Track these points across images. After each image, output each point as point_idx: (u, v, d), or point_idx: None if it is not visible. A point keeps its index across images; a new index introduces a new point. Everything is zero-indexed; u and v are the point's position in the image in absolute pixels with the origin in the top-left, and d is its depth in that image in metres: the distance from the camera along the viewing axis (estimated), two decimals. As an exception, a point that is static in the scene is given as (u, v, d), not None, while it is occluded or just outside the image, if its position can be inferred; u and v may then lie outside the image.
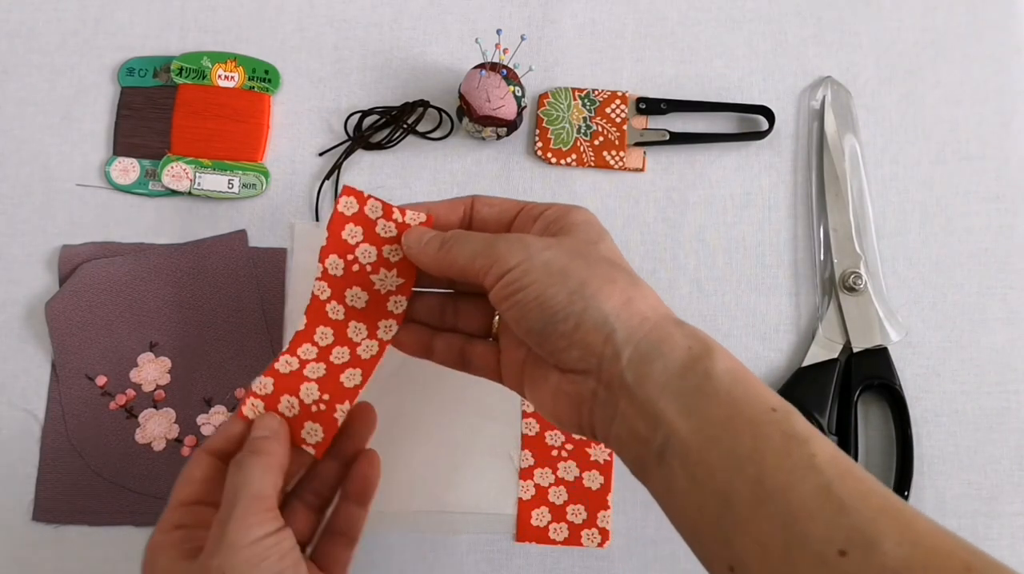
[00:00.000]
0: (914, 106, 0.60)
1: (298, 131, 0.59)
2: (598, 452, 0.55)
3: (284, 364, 0.43)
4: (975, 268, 0.58)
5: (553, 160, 0.58)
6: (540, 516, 0.54)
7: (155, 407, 0.55)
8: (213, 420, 0.55)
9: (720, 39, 0.61)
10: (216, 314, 0.56)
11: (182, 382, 0.55)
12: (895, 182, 0.59)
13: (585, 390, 0.37)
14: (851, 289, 0.56)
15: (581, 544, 0.54)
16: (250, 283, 0.56)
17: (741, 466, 0.32)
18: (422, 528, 0.54)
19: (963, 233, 0.58)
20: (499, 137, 0.58)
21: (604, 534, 0.54)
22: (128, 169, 0.58)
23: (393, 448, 0.55)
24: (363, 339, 0.44)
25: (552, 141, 0.58)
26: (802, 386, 0.55)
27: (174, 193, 0.58)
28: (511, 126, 0.57)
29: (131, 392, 0.55)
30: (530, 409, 0.55)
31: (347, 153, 0.58)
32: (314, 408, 0.41)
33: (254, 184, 0.58)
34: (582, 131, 0.59)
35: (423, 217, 0.44)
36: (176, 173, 0.57)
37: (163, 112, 0.59)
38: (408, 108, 0.58)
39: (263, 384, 0.42)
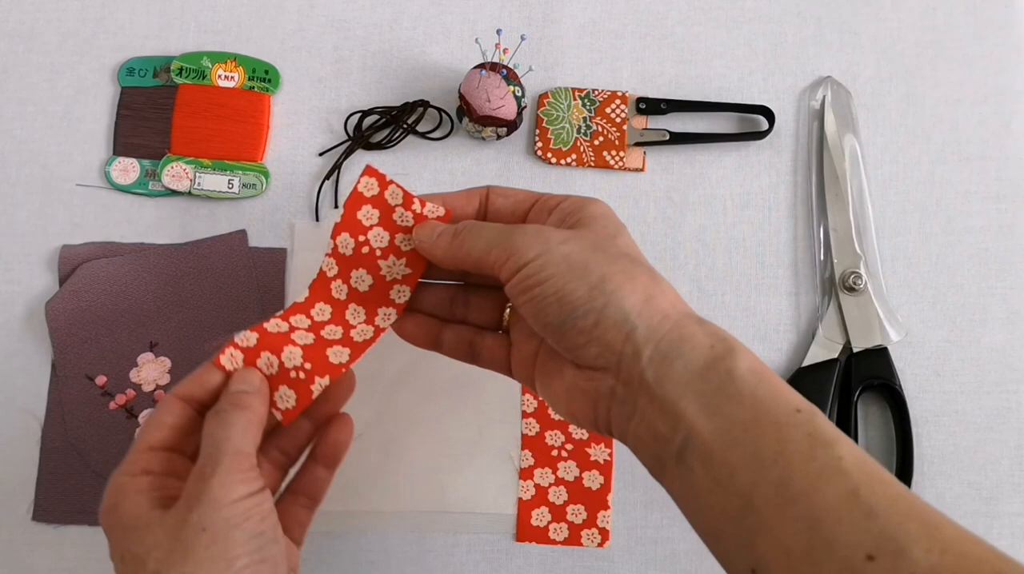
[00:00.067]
0: (914, 106, 0.60)
1: (298, 131, 0.59)
2: (598, 452, 0.55)
3: (273, 326, 0.41)
4: (975, 268, 0.58)
5: (553, 160, 0.58)
6: (540, 516, 0.54)
7: (155, 407, 0.54)
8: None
9: (720, 39, 0.61)
10: (216, 314, 0.56)
11: (182, 382, 0.55)
12: (895, 182, 0.59)
13: (603, 387, 0.36)
14: (851, 289, 0.56)
15: (581, 544, 0.54)
16: (250, 283, 0.56)
17: (765, 468, 0.32)
18: (422, 528, 0.54)
19: (963, 233, 0.58)
20: (499, 137, 0.58)
21: (604, 534, 0.54)
22: (128, 169, 0.58)
23: (393, 448, 0.55)
24: (360, 323, 0.43)
25: (552, 141, 0.58)
26: (802, 386, 0.55)
27: (174, 193, 0.58)
28: (511, 126, 0.57)
29: (131, 392, 0.55)
30: (530, 409, 0.55)
31: (347, 153, 0.58)
32: (293, 374, 0.40)
33: (254, 184, 0.58)
34: (582, 131, 0.59)
35: (441, 211, 0.43)
36: (176, 173, 0.57)
37: (163, 112, 0.59)
38: (408, 108, 0.58)
39: (246, 337, 0.40)
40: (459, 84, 0.57)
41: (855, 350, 0.55)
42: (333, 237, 0.43)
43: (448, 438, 0.55)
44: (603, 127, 0.59)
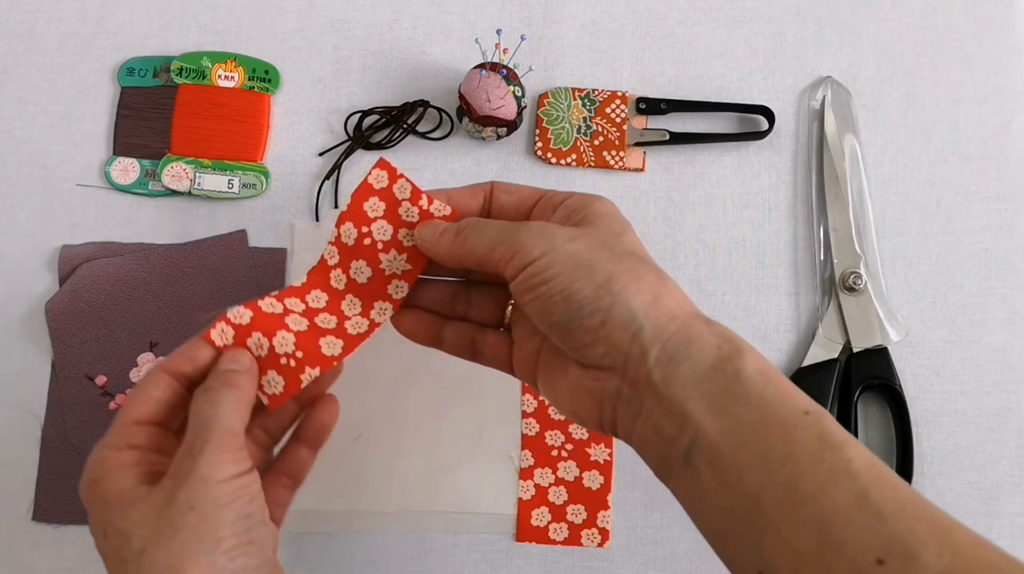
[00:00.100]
0: (914, 106, 0.60)
1: (298, 131, 0.59)
2: (598, 452, 0.55)
3: (268, 305, 0.40)
4: (975, 268, 0.58)
5: (553, 160, 0.58)
6: (540, 516, 0.54)
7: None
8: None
9: (720, 39, 0.61)
10: (216, 314, 0.56)
11: (182, 382, 0.55)
12: (895, 182, 0.59)
13: (609, 387, 0.36)
14: (851, 289, 0.56)
15: (581, 544, 0.54)
16: (250, 283, 0.56)
17: (773, 470, 0.32)
18: (422, 528, 0.54)
19: (963, 233, 0.58)
20: (499, 137, 0.58)
21: (604, 534, 0.54)
22: (128, 169, 0.58)
23: (393, 448, 0.55)
24: (355, 315, 0.42)
25: (552, 141, 0.58)
26: (802, 386, 0.53)
27: (174, 193, 0.58)
28: (511, 126, 0.57)
29: (131, 392, 0.55)
30: (530, 409, 0.55)
31: (347, 153, 0.58)
32: (283, 360, 0.39)
33: (254, 184, 0.58)
34: (582, 131, 0.59)
35: (448, 210, 0.42)
36: (176, 173, 0.57)
37: (163, 112, 0.59)
38: (408, 108, 0.58)
39: (240, 314, 0.39)
40: (459, 84, 0.57)
41: (855, 350, 0.55)
42: (338, 226, 0.42)
43: (448, 438, 0.55)
44: (603, 127, 0.59)
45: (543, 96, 0.59)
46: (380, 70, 0.60)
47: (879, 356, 0.55)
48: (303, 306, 0.42)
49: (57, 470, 0.53)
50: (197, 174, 0.57)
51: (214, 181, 0.57)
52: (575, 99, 0.59)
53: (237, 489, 0.34)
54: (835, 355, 0.55)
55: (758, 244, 0.58)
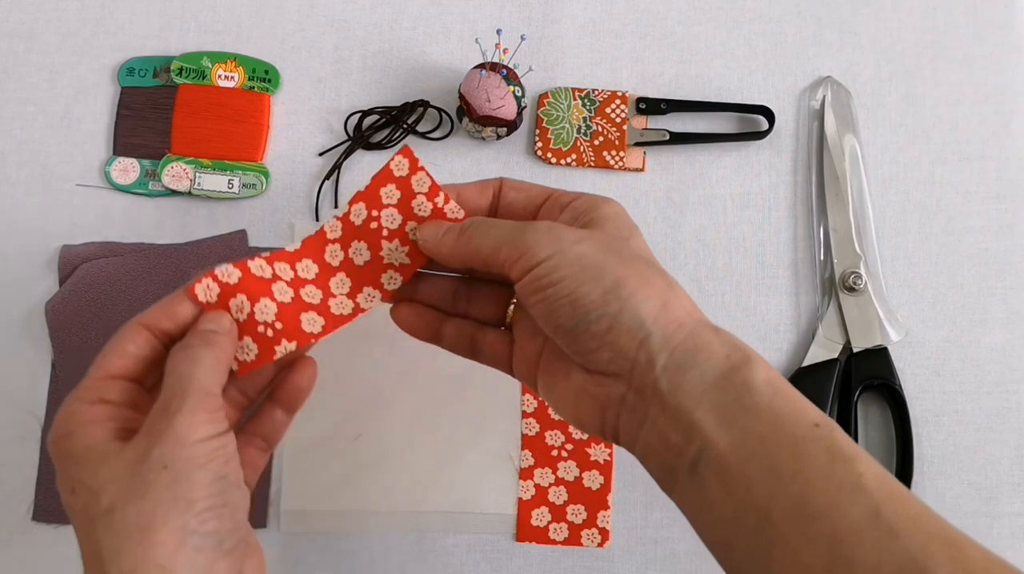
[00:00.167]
0: (914, 106, 0.60)
1: (298, 131, 0.59)
2: (598, 452, 0.55)
3: (257, 267, 0.39)
4: (975, 268, 0.58)
5: (553, 160, 0.58)
6: (540, 516, 0.54)
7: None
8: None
9: (720, 39, 0.61)
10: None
11: (182, 382, 0.55)
12: (895, 182, 0.59)
13: (613, 394, 0.36)
14: (851, 289, 0.56)
15: (581, 544, 0.54)
16: (250, 283, 0.56)
17: (783, 483, 0.31)
18: (422, 528, 0.54)
19: (963, 233, 0.58)
20: (499, 137, 0.58)
21: (604, 534, 0.54)
22: (128, 169, 0.58)
23: (393, 447, 0.55)
24: (341, 294, 0.42)
25: (552, 141, 0.58)
26: (802, 386, 0.54)
27: (174, 193, 0.58)
28: (511, 126, 0.57)
29: (131, 392, 0.55)
30: (530, 409, 0.55)
31: (347, 153, 0.58)
32: (261, 328, 0.38)
33: (254, 184, 0.58)
34: (582, 131, 0.59)
35: (461, 214, 0.42)
36: (176, 173, 0.57)
37: (163, 112, 0.59)
38: (408, 108, 0.58)
39: (228, 272, 0.38)
40: (459, 84, 0.57)
41: (855, 350, 0.55)
42: (350, 204, 0.42)
43: (448, 438, 0.55)
44: (603, 127, 0.59)
45: (543, 96, 0.59)
46: (380, 70, 0.60)
47: (879, 356, 0.55)
48: (291, 274, 0.41)
49: (57, 470, 0.53)
50: (197, 174, 0.57)
51: (214, 181, 0.57)
52: (575, 99, 0.59)
53: (213, 450, 0.33)
54: (835, 355, 0.55)
55: (758, 244, 0.58)
